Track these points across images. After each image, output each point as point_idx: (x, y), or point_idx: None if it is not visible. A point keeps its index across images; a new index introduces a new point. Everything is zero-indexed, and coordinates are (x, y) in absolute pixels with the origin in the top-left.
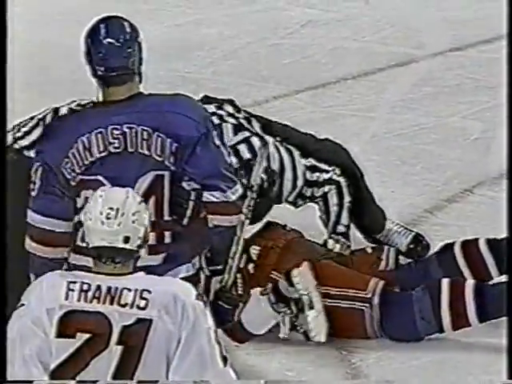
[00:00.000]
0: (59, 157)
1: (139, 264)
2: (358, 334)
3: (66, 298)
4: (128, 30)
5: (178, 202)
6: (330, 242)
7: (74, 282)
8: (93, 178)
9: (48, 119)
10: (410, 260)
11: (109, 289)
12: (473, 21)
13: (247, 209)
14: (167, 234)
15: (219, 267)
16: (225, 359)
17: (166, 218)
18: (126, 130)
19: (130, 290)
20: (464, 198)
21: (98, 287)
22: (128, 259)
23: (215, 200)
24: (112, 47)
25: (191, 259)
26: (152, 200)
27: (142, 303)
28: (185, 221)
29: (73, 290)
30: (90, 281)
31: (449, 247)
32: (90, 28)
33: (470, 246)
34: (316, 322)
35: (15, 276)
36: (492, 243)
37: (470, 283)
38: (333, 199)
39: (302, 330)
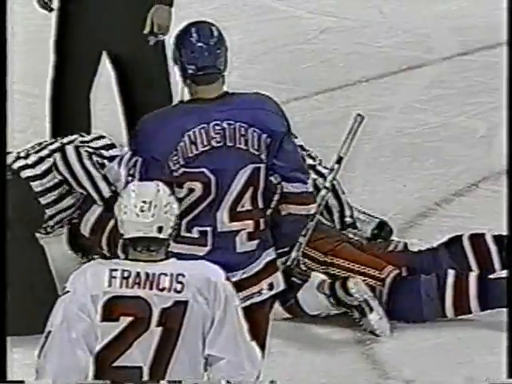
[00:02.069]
0: (168, 150)
1: (240, 250)
2: None
3: (109, 285)
4: (215, 33)
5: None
6: (350, 235)
7: (116, 270)
8: (197, 170)
9: (57, 159)
10: (420, 248)
11: (147, 275)
12: (478, 28)
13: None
14: (262, 221)
15: (286, 249)
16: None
17: (261, 206)
18: (226, 126)
19: (166, 274)
20: (470, 191)
21: (138, 274)
22: (161, 247)
23: (297, 191)
24: (203, 48)
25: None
26: (250, 191)
27: (179, 287)
28: (269, 211)
29: (115, 278)
30: (130, 268)
31: (457, 239)
32: (180, 32)
33: (477, 239)
34: (379, 324)
35: (15, 276)
36: (497, 238)
37: (473, 274)
38: (329, 196)
39: (368, 330)
